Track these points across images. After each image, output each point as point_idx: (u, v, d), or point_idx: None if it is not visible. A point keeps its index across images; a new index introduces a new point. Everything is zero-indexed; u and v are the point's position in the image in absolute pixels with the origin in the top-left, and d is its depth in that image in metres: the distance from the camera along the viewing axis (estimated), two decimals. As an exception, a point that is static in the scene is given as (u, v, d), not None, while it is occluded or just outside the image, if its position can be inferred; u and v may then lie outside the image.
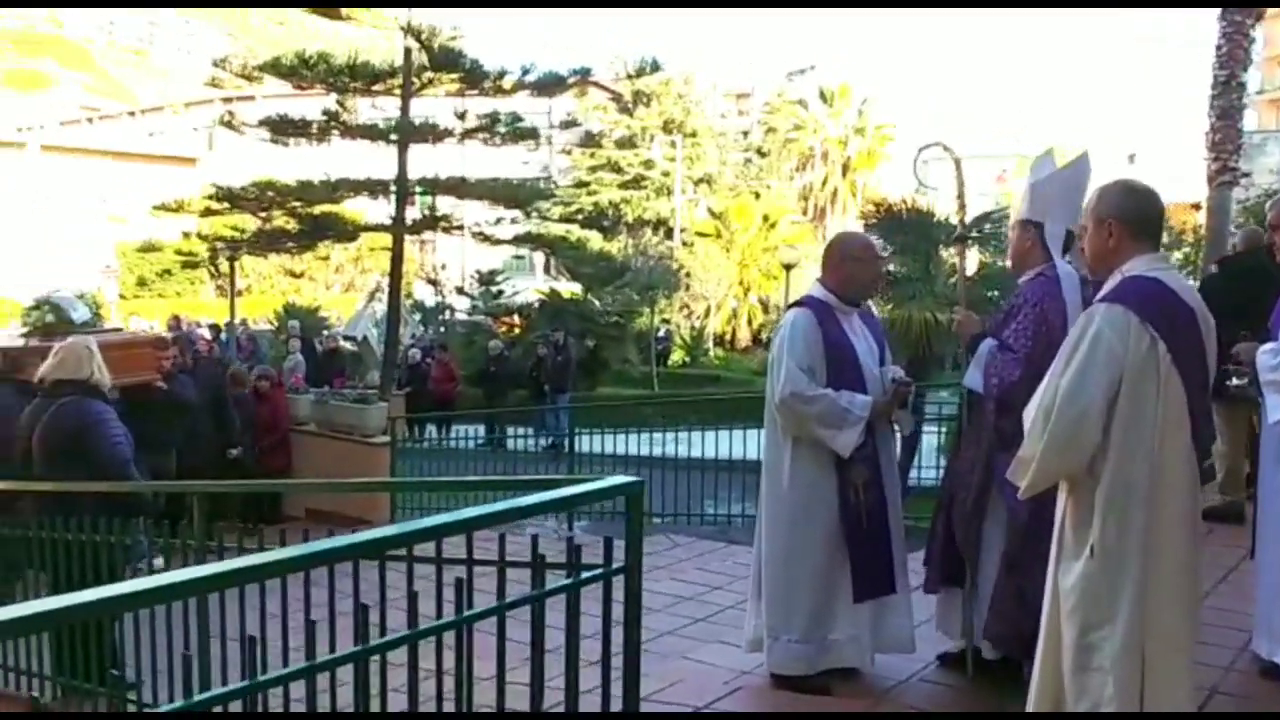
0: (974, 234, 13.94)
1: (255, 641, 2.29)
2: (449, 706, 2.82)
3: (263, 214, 16.10)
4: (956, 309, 4.49)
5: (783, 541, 3.95)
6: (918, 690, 4.13)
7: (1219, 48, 12.71)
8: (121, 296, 36.64)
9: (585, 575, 2.76)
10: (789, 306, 4.47)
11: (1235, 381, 4.94)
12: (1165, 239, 15.31)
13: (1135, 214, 3.08)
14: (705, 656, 4.87)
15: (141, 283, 40.32)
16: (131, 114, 68.60)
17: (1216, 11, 12.67)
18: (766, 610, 3.97)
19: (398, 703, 2.74)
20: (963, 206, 4.77)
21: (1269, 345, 4.03)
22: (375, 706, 2.75)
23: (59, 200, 43.72)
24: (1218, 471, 6.48)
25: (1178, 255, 21.30)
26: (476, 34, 20.48)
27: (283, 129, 15.26)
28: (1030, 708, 3.18)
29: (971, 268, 15.49)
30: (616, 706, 2.85)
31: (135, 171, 44.61)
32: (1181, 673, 2.95)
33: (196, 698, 2.12)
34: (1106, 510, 2.89)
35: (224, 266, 18.37)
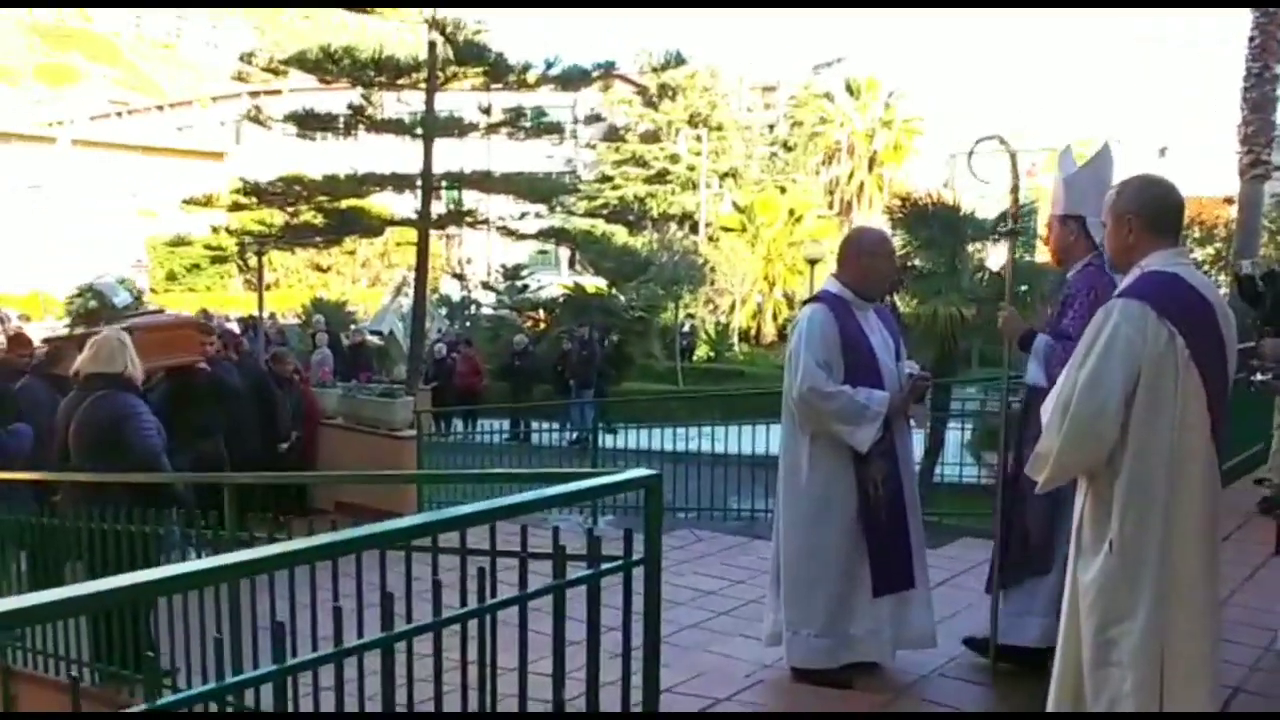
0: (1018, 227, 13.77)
1: (284, 627, 2.35)
2: (473, 695, 2.86)
3: (290, 209, 16.15)
4: (1002, 304, 4.45)
5: (802, 536, 3.96)
6: (938, 685, 4.14)
7: (1251, 39, 12.59)
8: (152, 290, 36.88)
9: (605, 566, 2.79)
10: (805, 302, 4.46)
11: (1259, 378, 4.94)
12: (1197, 234, 15.20)
13: (1153, 208, 3.07)
14: (727, 650, 4.91)
15: (171, 277, 40.63)
16: (160, 108, 68.95)
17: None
18: (786, 605, 3.99)
19: (424, 691, 2.80)
20: (1017, 200, 4.70)
21: None
22: (401, 695, 2.80)
23: (89, 194, 44.11)
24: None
25: (1209, 250, 21.07)
26: (501, 28, 20.52)
27: (309, 123, 15.30)
28: (1050, 704, 3.18)
29: (998, 264, 15.41)
30: (637, 698, 2.89)
31: (164, 166, 44.91)
32: (1203, 670, 2.93)
33: (228, 680, 2.19)
34: (1125, 506, 2.89)
35: (252, 261, 18.43)
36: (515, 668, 2.78)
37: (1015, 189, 4.67)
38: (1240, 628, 4.56)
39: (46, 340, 8.93)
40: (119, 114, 68.54)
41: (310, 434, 11.13)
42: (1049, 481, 3.11)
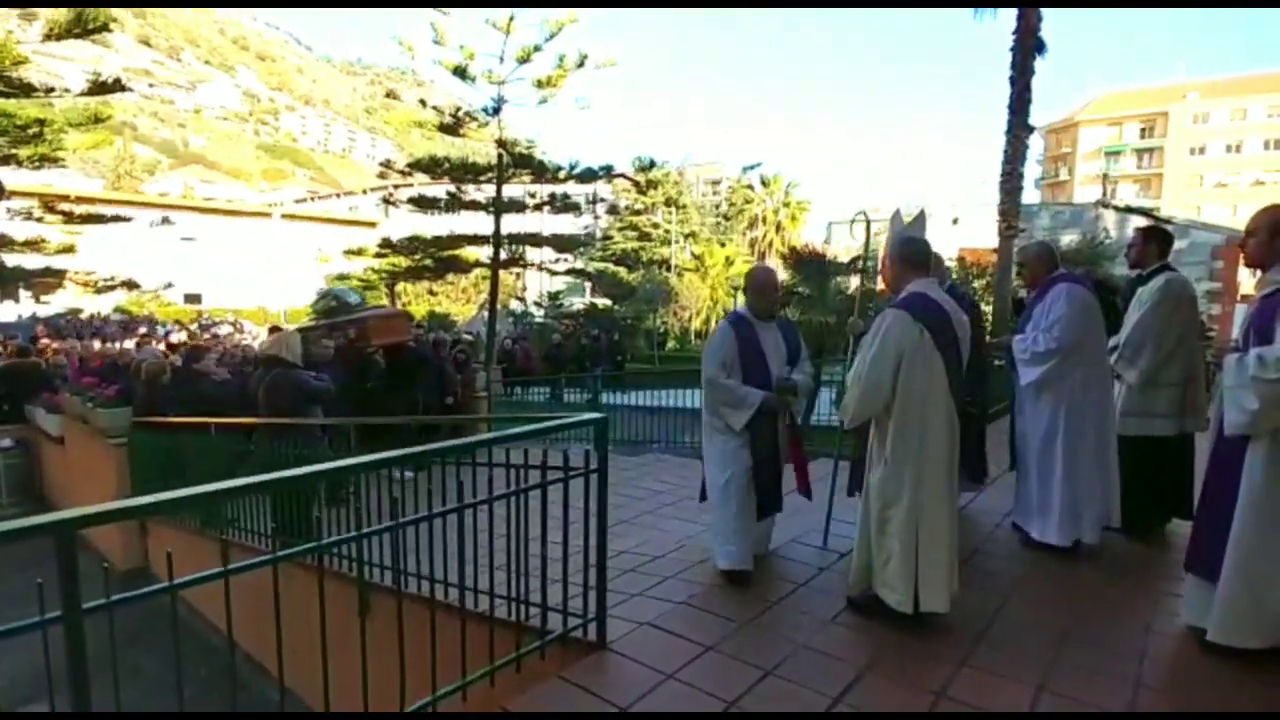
0: (860, 268, 13.82)
1: (397, 502, 2.34)
2: (500, 542, 2.85)
3: (413, 256, 16.09)
4: (853, 316, 4.23)
5: (718, 481, 3.61)
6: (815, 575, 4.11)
7: (1005, 152, 12.53)
8: (328, 308, 37.01)
9: (572, 474, 2.80)
10: (721, 320, 4.24)
11: (999, 362, 4.93)
12: (976, 272, 14.96)
13: (911, 255, 3.07)
14: (666, 527, 4.89)
15: (338, 300, 40.59)
16: (337, 195, 68.48)
17: (1003, 127, 12.47)
18: (713, 528, 3.69)
19: (481, 542, 2.76)
20: (866, 250, 4.73)
21: (1019, 336, 3.97)
22: (453, 546, 2.79)
23: (291, 248, 44.04)
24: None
25: (983, 281, 21.00)
26: (544, 144, 20.39)
27: (423, 204, 15.21)
28: (854, 562, 3.12)
29: (853, 288, 15.37)
30: (593, 556, 2.89)
31: (338, 232, 44.65)
32: (944, 537, 2.87)
33: (363, 530, 2.18)
34: (895, 435, 2.89)
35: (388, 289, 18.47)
36: (510, 535, 2.77)
37: (866, 244, 4.69)
38: (979, 514, 4.56)
39: (299, 329, 8.54)
40: (311, 198, 68.17)
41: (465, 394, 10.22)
42: (851, 422, 3.11)
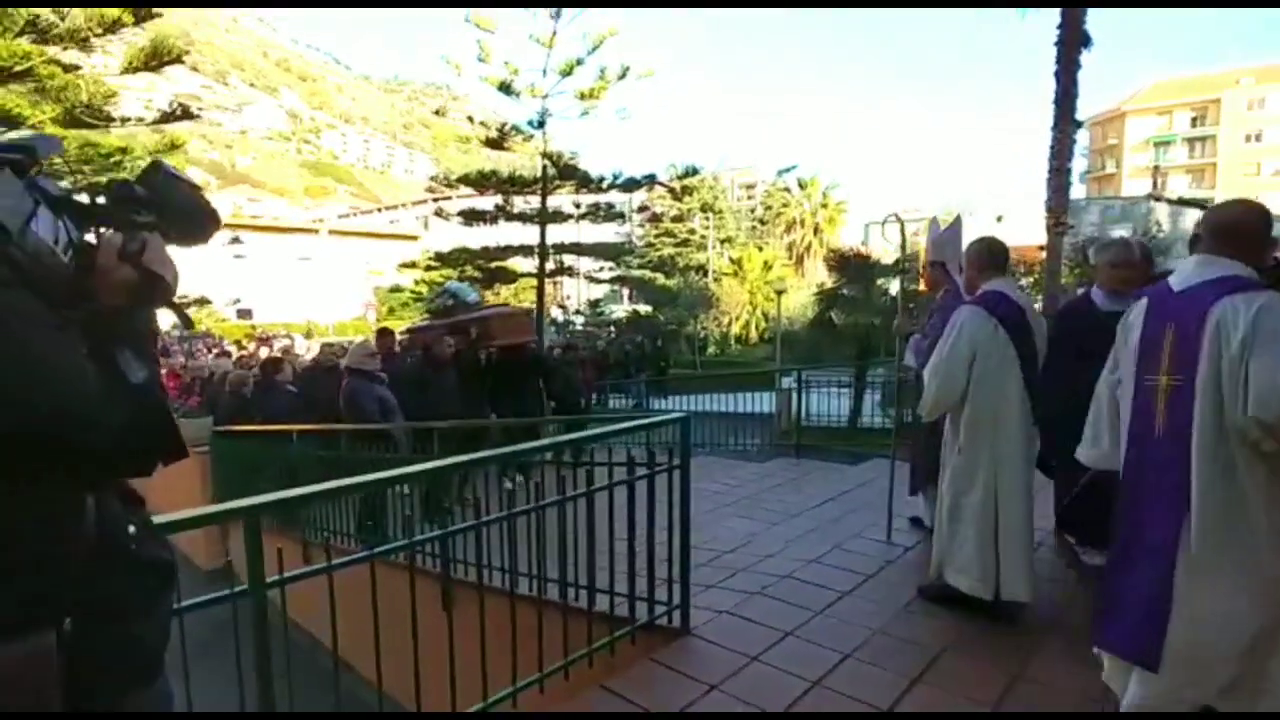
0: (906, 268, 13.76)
1: (479, 500, 2.54)
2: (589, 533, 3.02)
3: (460, 267, 16.48)
4: (897, 317, 4.36)
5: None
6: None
7: (1052, 147, 12.38)
8: (378, 319, 37.85)
9: (658, 468, 2.97)
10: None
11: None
12: (1023, 269, 14.75)
13: (988, 255, 3.18)
14: (730, 525, 5.01)
15: (390, 311, 41.54)
16: (379, 209, 70.28)
17: (1049, 122, 12.32)
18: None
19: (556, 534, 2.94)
20: (904, 252, 4.76)
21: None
22: (552, 544, 2.97)
23: (337, 263, 45.25)
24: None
25: (1031, 278, 20.68)
26: (585, 156, 20.69)
27: (472, 217, 15.57)
28: (934, 552, 3.21)
29: (895, 291, 15.29)
30: (677, 544, 3.06)
31: (382, 245, 45.86)
32: (1021, 527, 2.95)
33: (450, 528, 2.37)
34: (969, 426, 2.99)
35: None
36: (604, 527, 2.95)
37: (903, 245, 4.78)
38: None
39: (408, 330, 7.98)
40: (354, 213, 69.96)
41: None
42: (929, 414, 3.19)
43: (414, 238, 48.53)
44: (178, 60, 10.18)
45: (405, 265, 18.04)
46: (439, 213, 16.10)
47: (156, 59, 9.97)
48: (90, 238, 1.13)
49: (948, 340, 3.01)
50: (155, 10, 10.03)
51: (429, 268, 17.75)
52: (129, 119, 11.15)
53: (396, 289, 36.21)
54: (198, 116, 14.13)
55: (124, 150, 11.08)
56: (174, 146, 11.10)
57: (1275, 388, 1.78)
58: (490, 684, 2.51)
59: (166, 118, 11.50)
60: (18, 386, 0.92)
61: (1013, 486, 2.95)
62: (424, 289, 21.20)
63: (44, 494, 1.01)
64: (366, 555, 2.33)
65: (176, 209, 1.24)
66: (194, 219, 1.27)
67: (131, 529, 1.17)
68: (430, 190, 20.87)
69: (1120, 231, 26.52)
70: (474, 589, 2.58)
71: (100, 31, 9.86)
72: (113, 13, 9.78)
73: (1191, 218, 27.53)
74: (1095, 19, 12.94)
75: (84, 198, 1.16)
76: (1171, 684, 1.98)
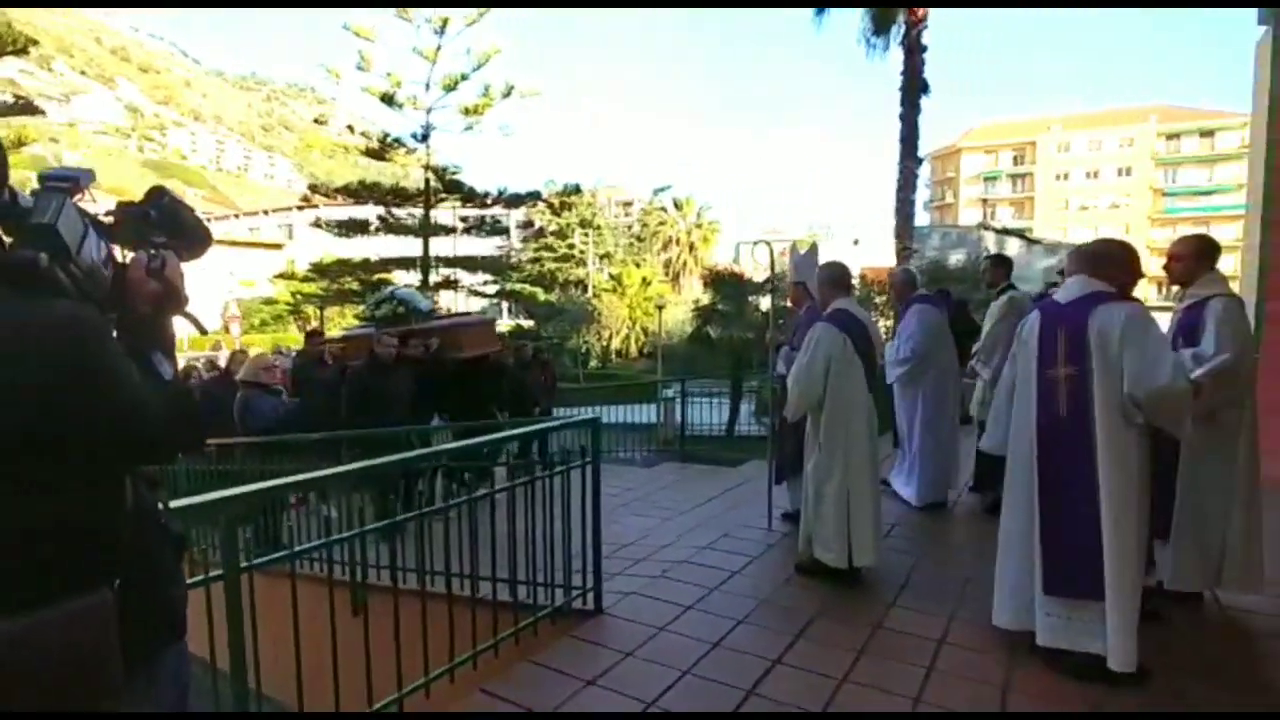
0: (772, 287, 14.77)
1: (423, 494, 2.74)
2: (509, 524, 3.28)
3: (340, 280, 15.92)
4: (770, 333, 4.84)
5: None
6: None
7: (898, 180, 13.83)
8: (244, 333, 35.32)
9: (573, 464, 3.30)
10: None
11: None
12: (877, 289, 16.06)
13: (834, 280, 3.76)
14: (625, 523, 5.39)
15: (262, 324, 38.81)
16: (236, 216, 65.43)
17: (896, 157, 13.77)
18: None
19: (483, 534, 3.19)
20: (772, 271, 5.33)
21: (891, 344, 4.93)
22: (464, 534, 3.21)
23: (190, 271, 41.85)
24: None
25: (880, 298, 22.71)
26: (470, 168, 20.55)
27: (352, 228, 15.17)
28: (800, 543, 3.74)
29: (765, 307, 16.37)
30: (589, 532, 3.40)
31: (244, 254, 42.82)
32: (869, 507, 3.51)
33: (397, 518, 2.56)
34: (826, 426, 3.53)
35: (311, 311, 17.98)
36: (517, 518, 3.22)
37: (772, 265, 5.37)
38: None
39: (344, 338, 7.55)
40: (209, 219, 64.72)
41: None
42: (793, 416, 3.72)
43: (277, 246, 45.67)
44: (23, 52, 9.26)
45: (281, 276, 17.20)
46: (317, 222, 15.51)
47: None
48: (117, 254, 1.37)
49: (806, 352, 3.56)
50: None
51: (307, 279, 17.01)
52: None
53: (270, 301, 34.06)
54: (42, 112, 12.85)
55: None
56: (21, 144, 10.03)
57: (1141, 374, 2.40)
58: (430, 665, 2.74)
59: (4, 110, 10.41)
60: (115, 386, 1.16)
61: (861, 473, 3.52)
62: (300, 301, 20.21)
63: (101, 476, 1.22)
64: (249, 566, 2.19)
65: (184, 230, 1.49)
66: (196, 238, 1.52)
67: (160, 505, 1.40)
68: (306, 199, 19.95)
69: (957, 256, 29.58)
70: (388, 592, 2.76)
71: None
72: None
73: (1013, 245, 31.22)
74: (933, 65, 14.63)
75: (109, 219, 1.38)
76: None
